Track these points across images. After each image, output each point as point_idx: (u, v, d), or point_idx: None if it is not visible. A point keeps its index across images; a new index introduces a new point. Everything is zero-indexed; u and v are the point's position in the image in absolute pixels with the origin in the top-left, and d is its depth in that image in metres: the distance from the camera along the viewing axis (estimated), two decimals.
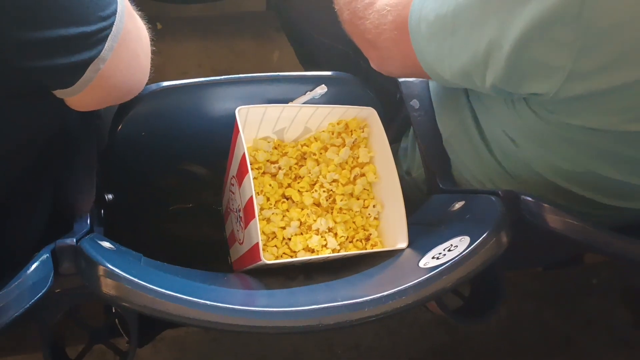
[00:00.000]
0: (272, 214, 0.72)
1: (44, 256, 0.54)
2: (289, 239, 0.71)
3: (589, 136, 0.59)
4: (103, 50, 0.55)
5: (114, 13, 0.55)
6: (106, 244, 0.60)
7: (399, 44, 0.66)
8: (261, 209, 0.72)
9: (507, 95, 0.63)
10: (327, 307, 0.53)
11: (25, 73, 0.52)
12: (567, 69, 0.50)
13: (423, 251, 0.62)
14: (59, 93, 0.57)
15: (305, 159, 0.76)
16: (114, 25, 0.55)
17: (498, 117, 0.69)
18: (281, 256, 0.70)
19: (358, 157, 0.75)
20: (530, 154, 0.68)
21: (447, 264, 0.55)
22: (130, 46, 0.59)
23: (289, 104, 0.77)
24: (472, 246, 0.55)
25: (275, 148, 0.75)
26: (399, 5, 0.65)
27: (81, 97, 0.57)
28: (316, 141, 0.76)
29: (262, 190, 0.72)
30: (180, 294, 0.51)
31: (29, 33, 0.49)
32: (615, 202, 0.68)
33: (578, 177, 0.66)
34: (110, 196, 0.79)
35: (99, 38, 0.54)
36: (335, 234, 0.72)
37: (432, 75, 0.65)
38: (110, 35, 0.55)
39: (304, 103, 0.78)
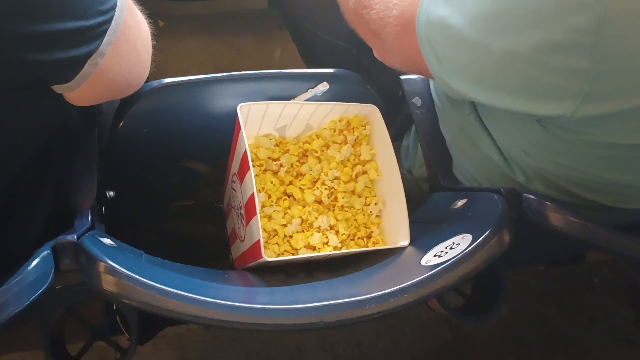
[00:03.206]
0: (274, 211, 0.71)
1: (45, 253, 0.54)
2: (291, 237, 0.71)
3: (603, 149, 0.59)
4: (102, 45, 0.54)
5: (113, 7, 0.55)
6: (107, 241, 0.60)
7: (400, 40, 0.65)
8: (262, 206, 0.71)
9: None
10: (328, 305, 0.52)
11: (24, 67, 0.52)
12: (583, 93, 0.49)
13: (425, 249, 0.62)
14: (57, 88, 0.56)
15: (306, 156, 0.75)
16: (113, 20, 0.54)
17: (506, 128, 0.68)
18: (282, 254, 0.70)
19: (360, 155, 0.75)
20: (542, 162, 0.67)
21: (449, 262, 0.55)
22: (129, 41, 0.59)
23: (290, 101, 0.77)
24: (474, 244, 0.55)
25: (277, 145, 0.75)
26: (405, 1, 0.63)
27: (80, 92, 0.57)
28: (318, 138, 0.75)
29: (263, 188, 0.72)
30: (181, 291, 0.51)
31: (27, 27, 0.48)
32: (628, 205, 0.68)
33: (591, 185, 0.65)
34: (111, 193, 0.79)
35: (97, 32, 0.53)
36: (337, 232, 0.72)
37: (438, 81, 0.63)
38: (109, 30, 0.54)
39: (305, 100, 0.78)
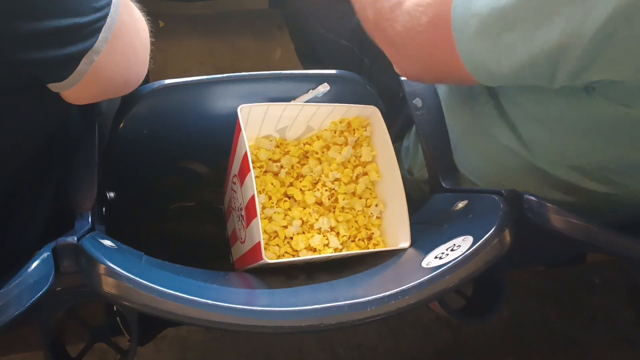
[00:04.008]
0: (274, 212, 0.71)
1: (45, 254, 0.54)
2: (291, 238, 0.71)
3: None
4: (97, 42, 0.53)
5: (109, 4, 0.54)
6: (107, 242, 0.60)
7: (433, 46, 0.63)
8: (263, 207, 0.71)
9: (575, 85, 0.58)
10: (329, 307, 0.52)
11: (18, 66, 0.51)
12: None
13: (425, 251, 0.62)
14: (53, 87, 0.56)
15: (307, 157, 0.75)
16: (108, 17, 0.54)
17: (539, 108, 0.65)
18: (283, 255, 0.70)
19: (360, 156, 0.75)
20: (571, 145, 0.64)
21: (450, 264, 0.55)
22: (125, 38, 0.58)
23: (291, 103, 0.77)
24: (475, 246, 0.55)
25: (278, 146, 0.75)
26: (434, 4, 0.61)
27: (76, 90, 0.56)
28: (318, 140, 0.75)
29: (264, 189, 0.72)
30: (181, 293, 0.51)
31: (20, 24, 0.48)
32: None
33: (623, 169, 0.64)
34: (111, 194, 0.79)
35: (92, 29, 0.53)
36: (338, 233, 0.72)
37: (480, 75, 0.60)
38: (104, 27, 0.53)
39: (306, 101, 0.78)
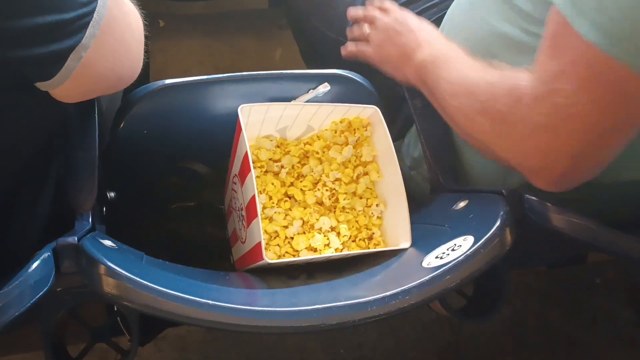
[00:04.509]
0: (275, 212, 0.71)
1: (45, 255, 0.54)
2: (292, 238, 0.71)
3: None
4: (84, 38, 0.52)
5: None
6: (108, 243, 0.60)
7: (610, 99, 0.53)
8: (263, 207, 0.71)
9: None
10: (329, 307, 0.52)
11: (4, 65, 0.50)
12: None
13: (426, 251, 0.62)
14: (42, 86, 0.54)
15: (308, 157, 0.75)
16: (95, 11, 0.52)
17: None
18: (283, 255, 0.70)
19: (361, 156, 0.75)
20: None
21: (450, 264, 0.55)
22: (116, 33, 0.57)
23: (291, 102, 0.77)
24: (475, 246, 0.55)
25: (278, 146, 0.75)
26: (572, 68, 0.53)
27: (66, 87, 0.55)
28: (319, 140, 0.75)
29: (264, 189, 0.72)
30: (182, 293, 0.51)
31: (3, 22, 0.47)
32: None
33: None
34: (112, 194, 0.79)
35: (79, 25, 0.51)
36: (338, 233, 0.72)
37: None
38: (91, 22, 0.52)
39: (306, 101, 0.78)
